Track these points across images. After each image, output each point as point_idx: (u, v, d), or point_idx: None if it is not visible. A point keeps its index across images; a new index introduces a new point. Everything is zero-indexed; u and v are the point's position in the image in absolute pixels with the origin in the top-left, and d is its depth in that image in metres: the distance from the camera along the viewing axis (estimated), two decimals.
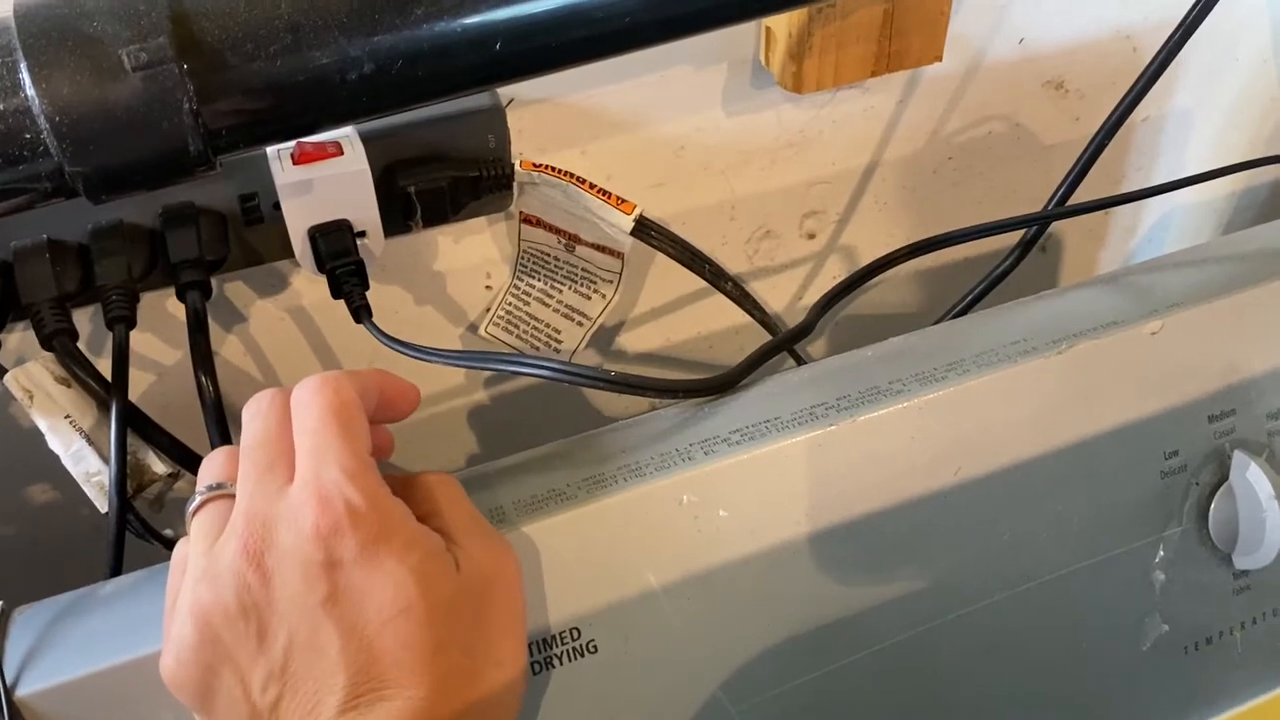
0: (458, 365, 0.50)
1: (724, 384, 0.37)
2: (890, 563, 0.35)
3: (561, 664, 0.32)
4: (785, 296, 0.62)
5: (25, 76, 0.30)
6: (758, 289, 0.61)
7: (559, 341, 0.53)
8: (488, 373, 0.58)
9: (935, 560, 0.35)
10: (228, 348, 0.51)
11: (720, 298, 0.52)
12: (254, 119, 0.33)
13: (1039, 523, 0.36)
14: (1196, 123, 0.67)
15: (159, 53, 0.31)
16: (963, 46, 0.55)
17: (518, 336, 0.54)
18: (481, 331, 0.54)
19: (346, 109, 0.35)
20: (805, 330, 0.42)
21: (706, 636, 0.33)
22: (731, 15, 0.38)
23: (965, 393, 0.35)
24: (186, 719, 0.29)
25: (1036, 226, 0.49)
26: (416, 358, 0.39)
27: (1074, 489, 0.36)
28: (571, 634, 0.32)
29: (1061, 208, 0.49)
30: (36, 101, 0.30)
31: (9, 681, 0.29)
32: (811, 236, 0.60)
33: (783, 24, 0.48)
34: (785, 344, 0.41)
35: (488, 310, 0.54)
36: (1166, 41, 0.46)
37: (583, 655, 0.32)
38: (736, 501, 0.33)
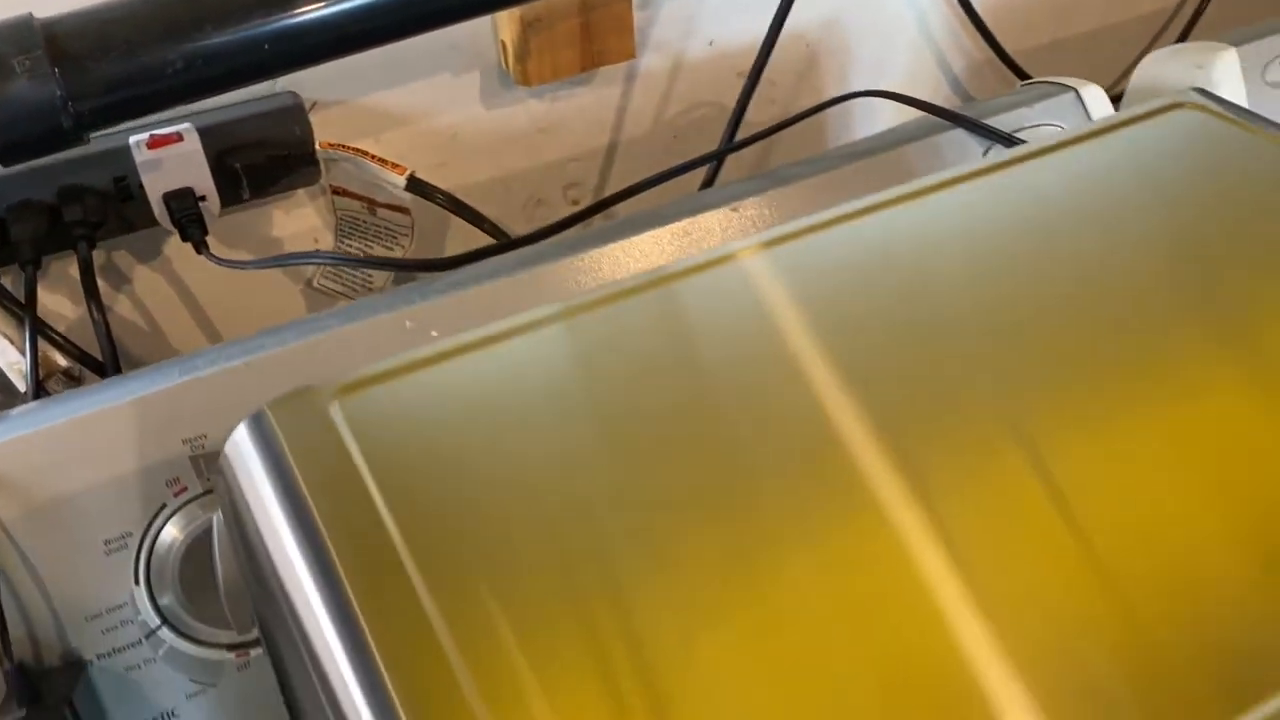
0: (268, 267, 0.67)
1: (445, 264, 0.55)
2: None
3: None
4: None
5: None
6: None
7: (370, 284, 0.70)
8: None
9: None
10: (120, 304, 0.68)
11: None
12: (106, 104, 0.51)
13: None
14: (875, 101, 0.86)
15: (38, 60, 0.49)
16: (664, 48, 0.75)
17: (343, 284, 0.71)
18: (315, 284, 0.71)
19: (171, 96, 0.52)
20: (527, 241, 0.60)
21: None
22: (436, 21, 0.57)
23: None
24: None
25: (716, 161, 0.68)
26: (238, 268, 0.56)
27: None
28: None
29: (729, 144, 0.68)
30: None
31: None
32: (575, 203, 0.78)
33: (509, 35, 0.67)
34: (506, 247, 0.59)
35: (317, 269, 0.71)
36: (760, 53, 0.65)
37: None
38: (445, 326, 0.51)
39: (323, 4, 0.52)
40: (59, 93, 0.49)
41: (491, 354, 0.34)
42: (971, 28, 0.81)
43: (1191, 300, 0.37)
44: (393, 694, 0.26)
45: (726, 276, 0.39)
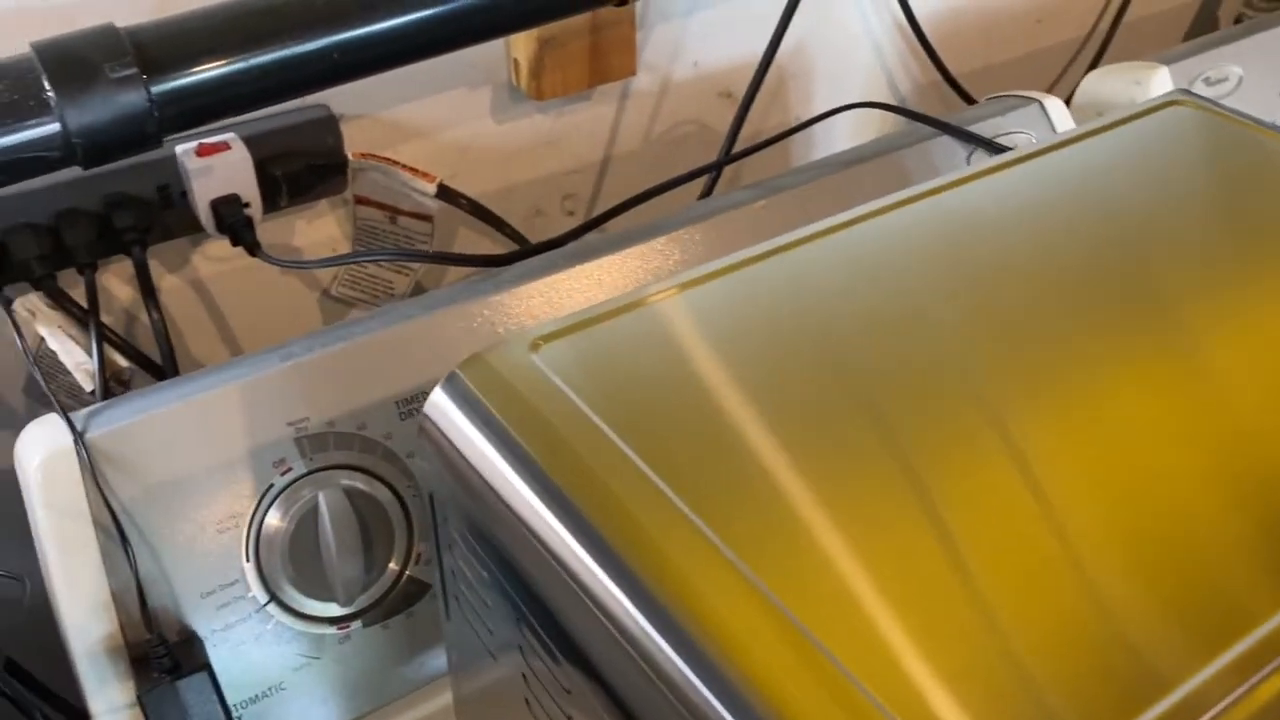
0: (326, 266, 0.69)
1: (497, 260, 0.59)
2: None
3: None
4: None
5: (46, 84, 0.49)
6: None
7: (392, 290, 0.73)
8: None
9: None
10: (142, 311, 0.69)
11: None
12: (188, 109, 0.53)
13: None
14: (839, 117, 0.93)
15: (129, 67, 0.51)
16: (654, 69, 0.80)
17: (360, 291, 0.74)
18: (332, 291, 0.74)
19: (244, 102, 0.55)
20: (555, 244, 0.64)
21: None
22: (476, 37, 0.61)
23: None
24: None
25: (716, 171, 0.73)
26: (296, 268, 0.59)
27: None
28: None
29: (726, 157, 0.74)
30: (54, 99, 0.50)
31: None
32: (571, 213, 0.83)
33: (524, 53, 0.71)
34: (533, 251, 0.63)
35: (334, 277, 0.74)
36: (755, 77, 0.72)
37: None
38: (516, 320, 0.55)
39: (389, 15, 0.56)
40: (147, 98, 0.51)
41: (671, 305, 0.38)
42: (921, 51, 0.89)
43: (1196, 280, 0.44)
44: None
45: (826, 249, 0.45)
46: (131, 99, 0.51)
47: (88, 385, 0.56)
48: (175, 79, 0.52)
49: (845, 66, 0.91)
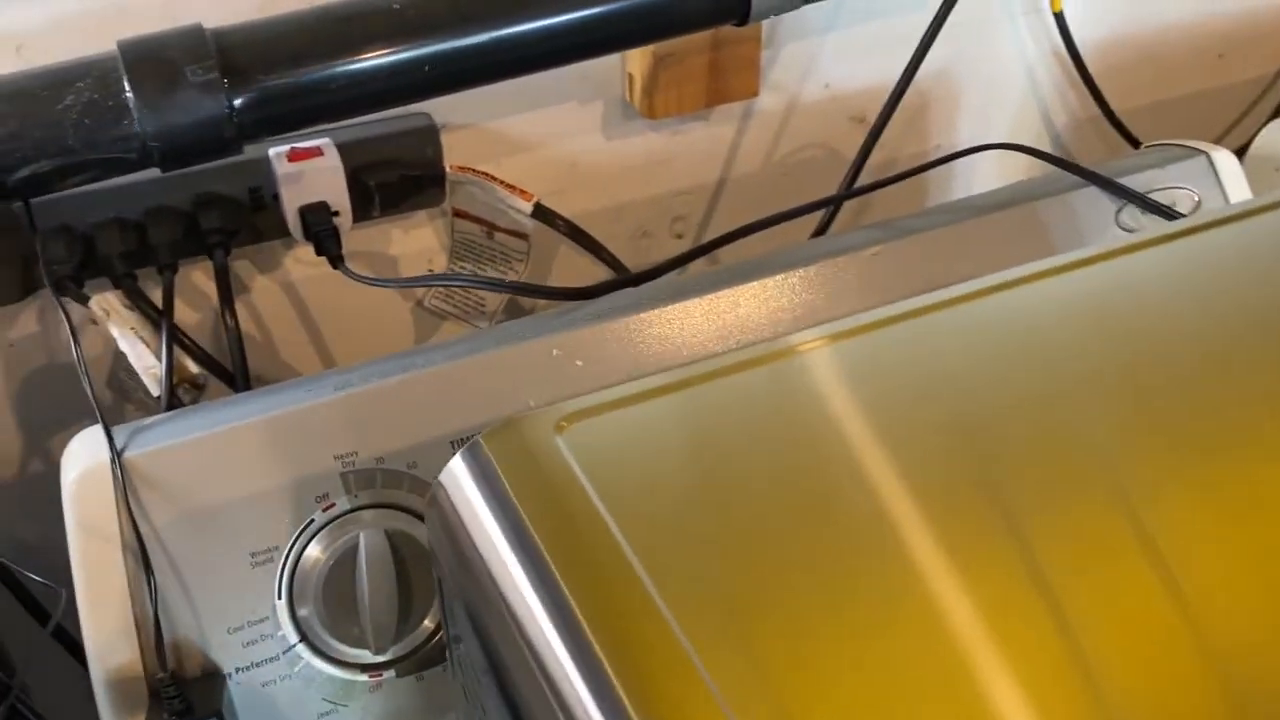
0: (405, 286, 0.67)
1: (582, 294, 0.55)
2: None
3: None
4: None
5: (126, 84, 0.48)
6: None
7: (484, 306, 0.71)
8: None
9: None
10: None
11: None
12: (268, 116, 0.51)
13: None
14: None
15: (210, 70, 0.49)
16: (782, 89, 0.75)
17: (453, 305, 0.71)
18: (426, 304, 0.71)
19: (328, 112, 0.53)
20: (649, 276, 0.60)
21: None
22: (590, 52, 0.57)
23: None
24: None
25: (834, 206, 0.68)
26: (375, 284, 0.56)
27: None
28: None
29: (847, 190, 0.68)
30: (132, 100, 0.48)
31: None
32: (680, 236, 0.78)
33: (639, 68, 0.67)
34: (629, 282, 0.59)
35: (428, 289, 0.71)
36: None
37: None
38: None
39: (483, 30, 0.53)
40: (227, 104, 0.49)
41: (704, 391, 0.34)
42: (1080, 85, 0.81)
43: None
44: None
45: (910, 332, 0.39)
46: (209, 104, 0.49)
47: (155, 390, 0.55)
48: (255, 85, 0.50)
49: (995, 95, 0.84)
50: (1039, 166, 0.68)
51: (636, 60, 0.67)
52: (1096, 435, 0.37)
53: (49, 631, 0.51)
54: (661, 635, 0.27)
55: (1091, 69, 0.80)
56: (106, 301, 0.55)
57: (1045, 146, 0.88)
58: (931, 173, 0.85)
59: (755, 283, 0.55)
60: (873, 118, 0.80)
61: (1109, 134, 0.83)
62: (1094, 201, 0.62)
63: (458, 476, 0.33)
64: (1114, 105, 0.82)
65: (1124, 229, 0.62)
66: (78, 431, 0.47)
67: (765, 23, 0.71)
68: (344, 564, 0.47)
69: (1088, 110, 0.84)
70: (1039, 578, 0.31)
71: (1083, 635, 0.30)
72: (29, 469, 0.68)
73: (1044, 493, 0.34)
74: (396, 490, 0.48)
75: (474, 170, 0.65)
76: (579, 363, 0.51)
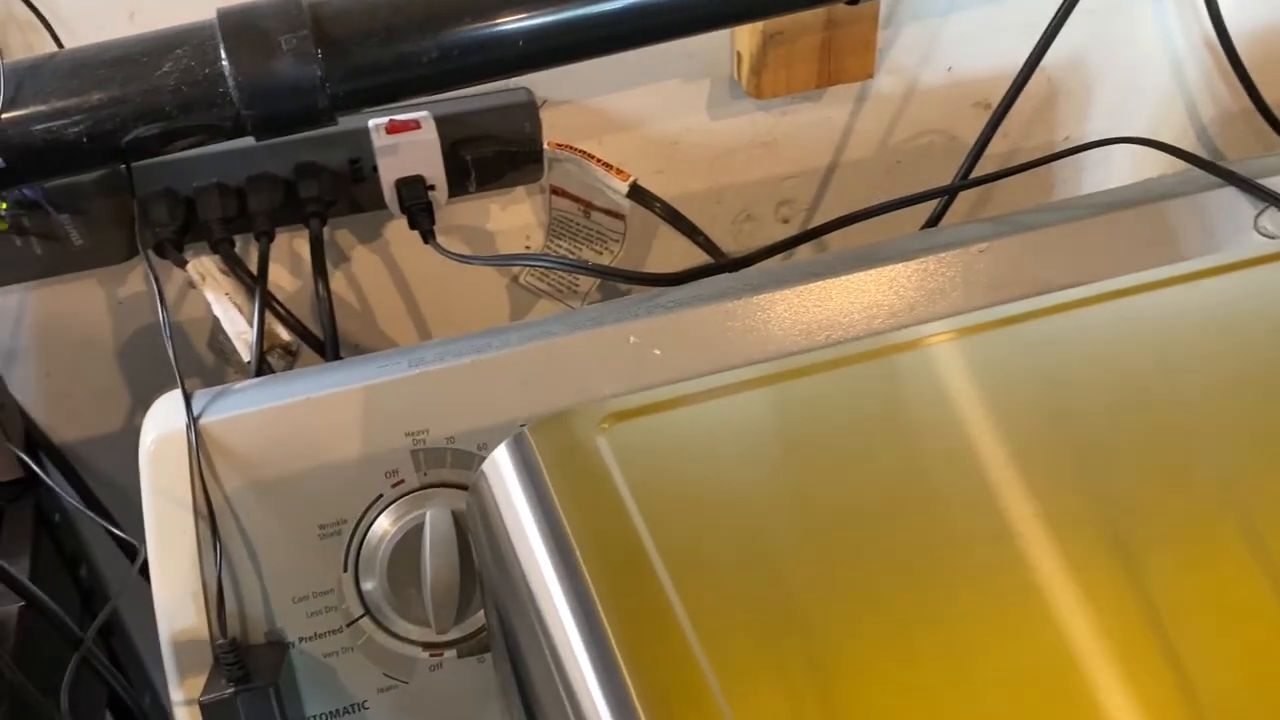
0: (493, 264, 0.67)
1: (670, 279, 0.53)
2: None
3: None
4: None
5: (222, 52, 0.48)
6: None
7: (577, 286, 0.70)
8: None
9: None
10: (333, 283, 0.69)
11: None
12: (361, 88, 0.51)
13: None
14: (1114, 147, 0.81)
15: (304, 41, 0.49)
16: (900, 71, 0.72)
17: (547, 284, 0.70)
18: (521, 281, 0.71)
19: (421, 85, 0.52)
20: (746, 262, 0.58)
21: None
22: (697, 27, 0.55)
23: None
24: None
25: (948, 196, 0.65)
26: (465, 262, 0.56)
27: None
28: None
29: (962, 181, 0.65)
30: (228, 68, 0.48)
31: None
32: (785, 221, 0.76)
33: (747, 46, 0.65)
34: (727, 267, 0.57)
35: (524, 266, 0.71)
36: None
37: None
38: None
39: (581, 3, 0.51)
40: (319, 74, 0.49)
41: (755, 397, 0.32)
42: (1231, 75, 0.75)
43: None
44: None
45: (1003, 340, 0.37)
46: (302, 74, 0.49)
47: (245, 355, 0.56)
48: (349, 56, 0.50)
49: (1133, 84, 0.78)
50: (1179, 164, 0.63)
51: (745, 38, 0.65)
52: (1225, 459, 0.34)
53: (135, 570, 0.52)
54: (682, 658, 0.25)
55: (1244, 58, 0.74)
56: (203, 265, 0.56)
57: (1190, 142, 0.82)
58: (1060, 168, 0.81)
59: (849, 276, 0.52)
60: (998, 104, 0.76)
61: (1263, 130, 0.77)
62: (1232, 203, 0.57)
63: (500, 467, 0.32)
64: (1269, 99, 0.76)
65: (1264, 235, 0.57)
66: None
67: (885, 3, 0.68)
68: (410, 541, 0.46)
69: (1239, 103, 0.78)
70: (1155, 618, 0.29)
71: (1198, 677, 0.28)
72: (135, 422, 0.70)
73: (1164, 521, 0.32)
74: (466, 471, 0.47)
75: (571, 147, 0.64)
76: (657, 351, 0.49)
